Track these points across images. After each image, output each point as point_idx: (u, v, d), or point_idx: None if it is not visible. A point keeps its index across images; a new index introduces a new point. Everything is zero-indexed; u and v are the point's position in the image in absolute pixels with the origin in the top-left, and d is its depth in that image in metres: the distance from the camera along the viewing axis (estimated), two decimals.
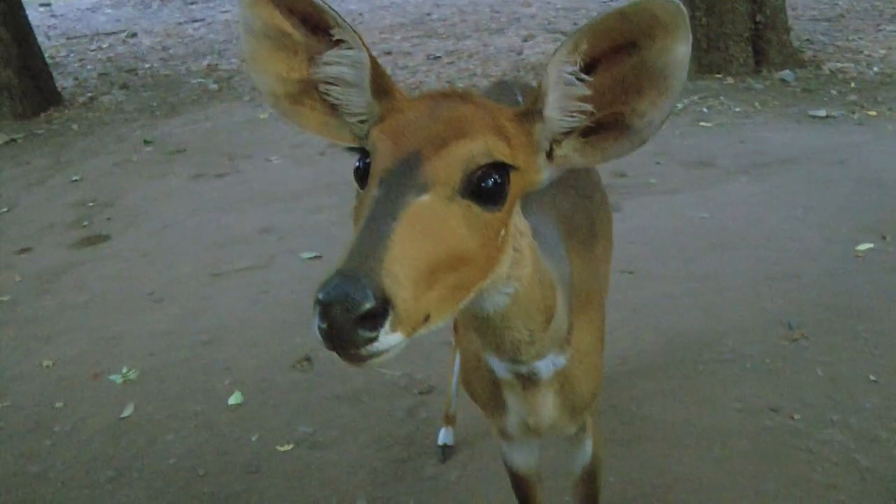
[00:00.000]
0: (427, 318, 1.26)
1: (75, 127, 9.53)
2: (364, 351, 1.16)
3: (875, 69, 9.33)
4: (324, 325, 1.13)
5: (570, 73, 1.42)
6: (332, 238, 5.87)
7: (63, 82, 11.26)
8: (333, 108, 1.60)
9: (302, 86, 1.59)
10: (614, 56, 1.40)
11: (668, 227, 5.66)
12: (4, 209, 7.32)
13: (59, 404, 4.24)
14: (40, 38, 10.94)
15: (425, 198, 1.28)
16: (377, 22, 14.05)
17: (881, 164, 6.60)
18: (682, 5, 1.30)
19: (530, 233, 1.62)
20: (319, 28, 1.54)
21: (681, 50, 1.33)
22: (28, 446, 3.94)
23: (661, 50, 1.34)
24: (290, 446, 3.74)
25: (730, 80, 9.15)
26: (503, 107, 1.50)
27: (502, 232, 1.43)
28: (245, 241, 6.06)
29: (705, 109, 8.31)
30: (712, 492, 3.31)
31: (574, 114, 1.46)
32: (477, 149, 1.35)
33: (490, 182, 1.36)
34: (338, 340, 1.14)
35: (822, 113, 7.96)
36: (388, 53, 11.48)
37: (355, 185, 1.45)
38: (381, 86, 1.52)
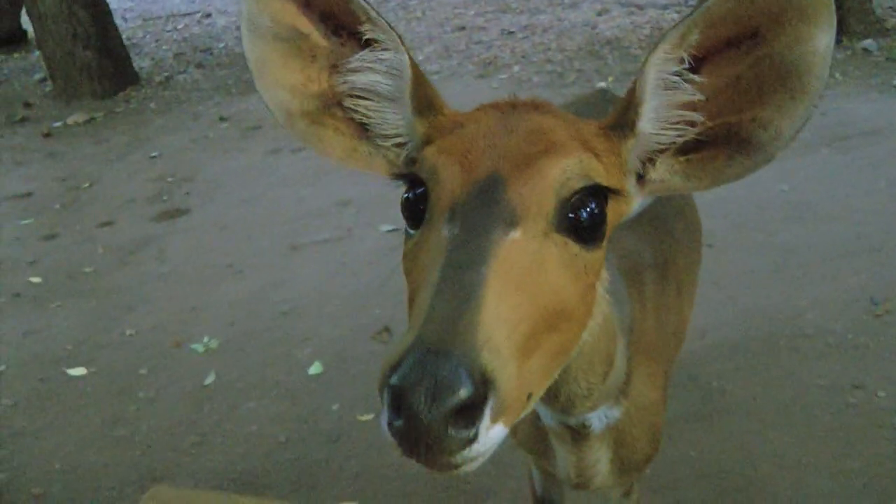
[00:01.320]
0: (529, 398, 0.98)
1: (152, 105, 9.71)
2: (458, 458, 0.86)
3: None
4: (399, 423, 0.84)
5: (675, 74, 1.13)
6: None
7: (140, 62, 11.47)
8: (363, 129, 1.30)
9: (322, 101, 1.28)
10: (728, 51, 1.11)
11: (747, 200, 5.54)
12: (86, 185, 7.51)
13: (142, 371, 4.37)
14: (117, 21, 11.15)
15: (516, 235, 0.99)
16: None
17: None
18: None
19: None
20: (344, 27, 1.24)
21: (822, 39, 1.03)
22: (114, 411, 4.07)
23: (795, 40, 1.04)
24: (371, 416, 3.78)
25: None
26: (584, 119, 1.21)
27: (599, 275, 1.16)
28: (323, 214, 6.12)
29: None
30: (794, 469, 3.26)
31: (676, 125, 1.16)
32: (572, 167, 1.06)
33: (587, 211, 1.07)
34: (423, 444, 0.84)
35: None
36: (462, 29, 11.41)
37: (405, 225, 1.15)
38: (425, 99, 1.23)
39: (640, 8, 11.63)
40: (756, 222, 5.23)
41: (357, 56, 1.24)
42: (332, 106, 1.28)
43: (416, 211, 1.12)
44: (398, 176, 1.22)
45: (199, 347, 4.52)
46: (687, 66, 1.12)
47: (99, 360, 4.57)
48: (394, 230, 5.61)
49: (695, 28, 1.08)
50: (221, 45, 12.30)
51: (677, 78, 1.13)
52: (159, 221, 6.46)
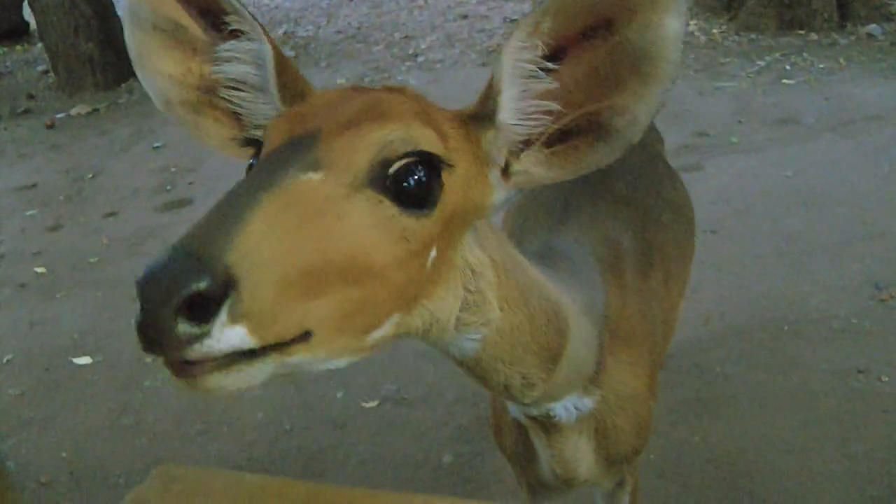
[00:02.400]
0: (307, 336, 0.94)
1: None
2: (191, 352, 0.82)
3: None
4: (138, 316, 0.81)
5: (531, 63, 1.13)
6: None
7: None
8: (240, 119, 1.30)
9: (201, 92, 1.28)
10: (585, 41, 1.11)
11: (751, 186, 5.54)
12: (90, 175, 7.52)
13: (148, 360, 4.37)
14: (120, 13, 11.14)
15: (314, 175, 0.98)
16: None
17: None
18: None
19: (496, 273, 1.27)
20: (220, 20, 1.25)
21: (670, 24, 1.04)
22: (121, 400, 4.09)
23: (645, 26, 1.05)
24: (376, 403, 3.80)
25: (813, 35, 8.86)
26: (444, 109, 1.19)
27: (432, 253, 1.11)
28: None
29: (788, 67, 8.07)
30: (798, 453, 3.27)
31: (536, 116, 1.15)
32: (396, 133, 1.05)
33: (412, 178, 1.05)
34: (153, 335, 0.81)
35: None
36: (465, 17, 11.39)
37: None
38: (292, 87, 1.24)
39: None
40: (760, 208, 5.23)
41: (225, 45, 1.25)
42: (212, 96, 1.29)
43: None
44: (246, 142, 1.23)
45: None
46: (542, 54, 1.12)
47: (105, 349, 4.58)
48: None
49: (546, 16, 1.09)
50: None
51: (534, 67, 1.13)
52: (163, 212, 6.47)
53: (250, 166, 1.14)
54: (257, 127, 1.28)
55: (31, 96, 10.28)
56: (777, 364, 3.77)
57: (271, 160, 1.01)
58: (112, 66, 10.12)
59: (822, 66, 7.98)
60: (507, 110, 1.15)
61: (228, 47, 1.24)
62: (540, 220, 2.02)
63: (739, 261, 4.63)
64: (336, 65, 9.94)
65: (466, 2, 12.50)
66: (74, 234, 6.24)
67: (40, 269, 5.65)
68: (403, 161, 1.05)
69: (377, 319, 1.06)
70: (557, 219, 1.92)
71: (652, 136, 2.93)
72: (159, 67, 1.26)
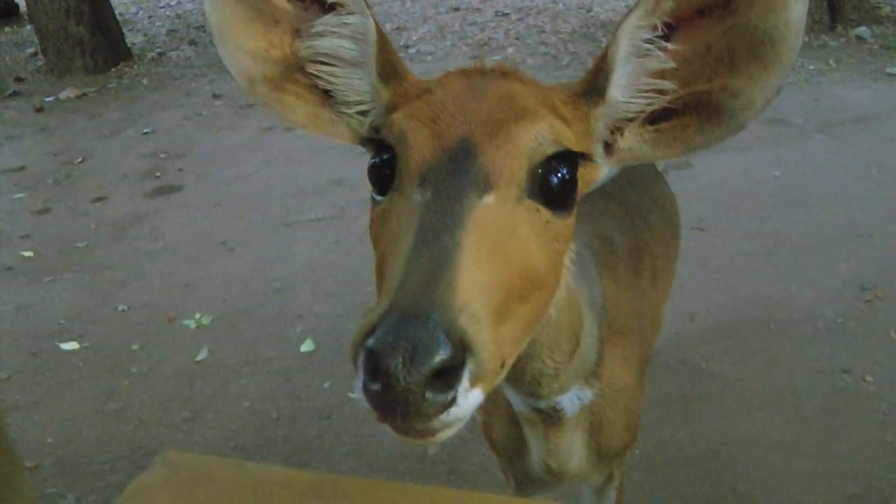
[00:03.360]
0: (502, 365, 0.94)
1: (145, 81, 9.66)
2: (437, 423, 0.83)
3: None
4: (376, 387, 0.81)
5: (647, 41, 1.11)
6: None
7: (133, 38, 11.40)
8: (326, 96, 1.26)
9: (285, 66, 1.24)
10: (700, 19, 1.09)
11: (739, 184, 5.57)
12: (79, 160, 7.48)
13: (135, 346, 4.38)
14: None
15: (490, 200, 0.96)
16: None
17: None
18: None
19: None
20: None
21: (796, 8, 1.01)
22: (107, 386, 4.09)
23: (769, 9, 1.02)
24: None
25: (804, 37, 8.90)
26: (552, 85, 1.19)
27: (569, 249, 1.14)
28: (316, 192, 6.11)
29: None
30: (781, 451, 3.30)
31: (646, 93, 1.14)
32: (543, 133, 1.04)
33: (558, 177, 1.05)
34: (401, 408, 0.81)
35: None
36: (457, 10, 11.39)
37: (371, 191, 1.13)
38: (389, 65, 1.20)
39: None
40: (748, 207, 5.26)
41: (321, 20, 1.20)
42: (295, 71, 1.25)
43: (383, 177, 1.09)
44: (365, 141, 1.20)
45: (192, 323, 4.53)
46: (659, 33, 1.10)
47: (92, 334, 4.57)
48: None
49: None
50: None
51: (649, 45, 1.11)
52: (153, 197, 6.44)
53: (373, 165, 1.11)
54: (346, 104, 1.25)
55: (19, 79, 10.23)
56: (762, 362, 3.80)
57: (440, 185, 0.97)
58: (102, 49, 10.07)
59: (811, 67, 8.02)
60: (618, 87, 1.13)
61: (325, 21, 1.20)
62: None
63: (727, 258, 4.66)
64: None
65: None
66: (62, 218, 6.22)
67: (27, 253, 5.62)
68: (548, 163, 1.04)
69: (537, 324, 1.08)
70: None
71: None
72: (242, 43, 1.22)
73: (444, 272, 0.86)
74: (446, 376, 0.81)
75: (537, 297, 1.03)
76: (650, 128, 1.16)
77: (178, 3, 13.70)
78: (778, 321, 4.06)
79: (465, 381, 0.83)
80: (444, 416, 0.83)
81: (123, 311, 4.78)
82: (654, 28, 1.09)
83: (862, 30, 8.83)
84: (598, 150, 1.18)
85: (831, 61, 8.14)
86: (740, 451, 3.31)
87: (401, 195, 1.03)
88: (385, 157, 1.08)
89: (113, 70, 10.10)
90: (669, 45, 1.10)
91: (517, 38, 9.79)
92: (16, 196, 6.74)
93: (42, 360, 4.36)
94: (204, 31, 11.69)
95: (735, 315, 4.15)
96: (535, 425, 1.71)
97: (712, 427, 3.45)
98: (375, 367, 0.80)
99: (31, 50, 11.25)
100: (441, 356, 0.79)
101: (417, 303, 0.82)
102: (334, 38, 1.20)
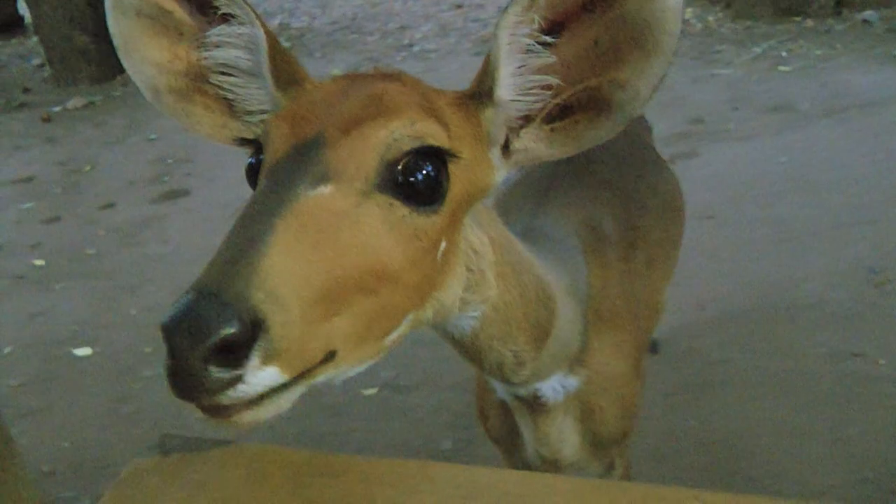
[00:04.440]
0: (332, 356, 0.96)
1: None
2: (224, 398, 0.83)
3: None
4: (167, 363, 0.81)
5: (528, 37, 1.10)
6: None
7: None
8: (231, 106, 1.27)
9: (190, 78, 1.25)
10: (583, 14, 1.08)
11: (746, 172, 5.56)
12: (86, 168, 7.53)
13: (147, 350, 4.40)
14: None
15: (324, 189, 0.95)
16: None
17: None
18: None
19: (492, 251, 1.29)
20: (207, 4, 1.21)
21: None
22: (120, 389, 4.11)
23: None
24: (374, 390, 3.82)
25: (809, 22, 8.87)
26: (442, 90, 1.17)
27: (442, 245, 1.10)
28: None
29: (784, 53, 8.08)
30: (793, 436, 3.29)
31: (535, 92, 1.14)
32: (400, 129, 1.03)
33: (420, 174, 1.03)
34: (187, 383, 0.81)
35: None
36: (460, 7, 11.40)
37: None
38: (286, 72, 1.20)
39: None
40: (755, 194, 5.24)
41: (215, 30, 1.20)
42: (201, 83, 1.25)
43: (252, 173, 1.09)
44: (242, 142, 1.17)
45: None
46: (540, 28, 1.09)
47: (103, 339, 4.60)
48: None
49: None
50: None
51: (532, 42, 1.10)
52: (160, 203, 6.47)
53: (250, 165, 1.10)
54: (250, 113, 1.26)
55: (26, 90, 10.29)
56: (772, 348, 3.78)
57: (278, 176, 0.98)
58: (107, 58, 10.12)
59: (817, 52, 7.99)
60: (506, 86, 1.13)
61: (218, 32, 1.20)
62: (522, 202, 2.01)
63: (734, 246, 4.65)
64: (330, 55, 9.95)
65: None
66: (71, 226, 6.26)
67: (38, 262, 5.66)
68: (410, 159, 1.03)
69: (395, 322, 1.06)
70: (539, 201, 1.92)
71: (639, 123, 2.95)
72: (145, 55, 1.23)
73: (248, 254, 0.85)
74: (234, 353, 0.80)
75: (389, 291, 1.01)
76: (546, 127, 1.16)
77: None
78: (787, 307, 4.05)
79: (254, 358, 0.81)
80: (231, 393, 0.82)
81: (134, 315, 4.81)
82: (534, 23, 1.09)
83: (868, 13, 8.79)
84: (494, 153, 1.17)
85: (837, 46, 8.10)
86: (752, 437, 3.30)
87: (256, 187, 1.03)
88: (260, 157, 1.08)
89: (118, 78, 10.15)
90: (550, 39, 1.10)
91: None
92: (25, 206, 6.78)
93: (55, 367, 4.39)
94: None
95: (744, 302, 4.14)
96: (523, 413, 1.73)
97: (723, 415, 3.44)
98: (167, 337, 0.80)
99: (37, 61, 11.32)
100: (224, 331, 0.78)
101: (215, 281, 0.82)
102: (230, 48, 1.21)
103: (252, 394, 0.84)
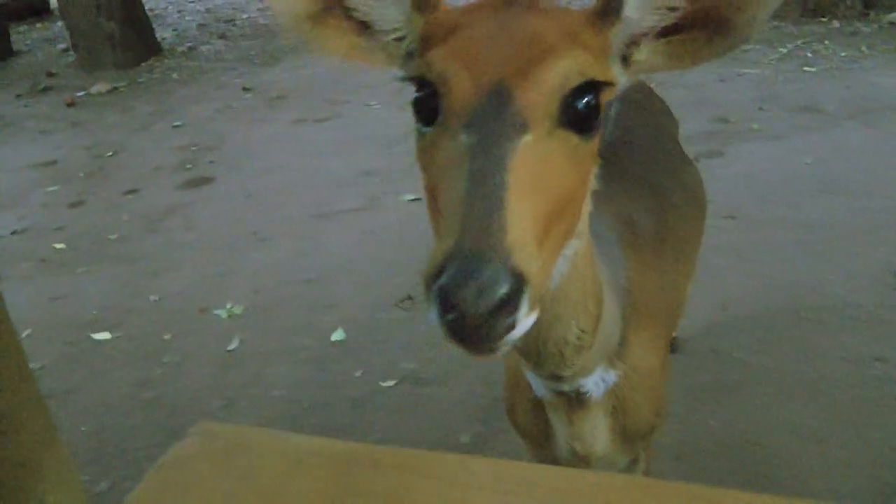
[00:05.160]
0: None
1: (175, 76, 9.75)
2: (502, 342, 0.96)
3: None
4: (451, 317, 0.92)
5: None
6: None
7: (163, 33, 11.50)
8: (363, 27, 1.36)
9: (325, 3, 1.33)
10: None
11: (772, 172, 5.53)
12: (110, 153, 7.56)
13: (167, 336, 4.42)
14: None
15: (528, 138, 1.06)
16: None
17: None
18: None
19: None
20: None
21: None
22: (140, 375, 4.13)
23: None
24: (394, 382, 3.82)
25: (836, 23, 8.81)
26: (572, 10, 1.26)
27: (595, 159, 1.25)
28: (348, 184, 6.14)
29: (810, 54, 8.03)
30: (816, 439, 3.27)
31: (658, 10, 1.24)
32: (568, 68, 1.12)
33: (584, 104, 1.14)
34: (474, 335, 0.94)
35: None
36: None
37: (415, 121, 1.22)
38: None
39: None
40: (781, 195, 5.21)
41: None
42: (334, 7, 1.34)
43: (427, 109, 1.17)
44: (408, 78, 1.24)
45: (223, 313, 4.56)
46: None
47: (124, 324, 4.63)
48: (417, 199, 5.63)
49: None
50: (245, 15, 12.31)
51: None
52: (184, 190, 6.50)
53: (417, 100, 1.19)
54: (383, 32, 1.35)
55: (51, 74, 10.35)
56: (795, 351, 3.76)
57: (483, 130, 1.06)
58: (133, 44, 10.18)
59: (843, 54, 7.94)
60: (633, 7, 1.23)
61: None
62: None
63: (759, 247, 4.62)
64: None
65: None
66: (95, 211, 6.30)
67: (60, 245, 5.69)
68: (575, 92, 1.13)
69: (570, 237, 1.23)
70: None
71: (666, 118, 2.96)
72: None
73: (497, 214, 0.96)
74: (508, 305, 0.92)
75: (571, 209, 1.17)
76: (663, 40, 1.26)
77: None
78: (810, 310, 4.03)
79: (523, 308, 0.94)
80: (507, 338, 0.95)
81: (155, 301, 4.83)
82: None
83: (895, 16, 8.71)
84: (616, 64, 1.27)
85: (863, 48, 8.05)
86: (774, 439, 3.29)
87: (446, 131, 1.12)
88: (428, 91, 1.17)
89: (143, 64, 10.20)
90: None
91: None
92: (49, 189, 6.83)
93: (76, 350, 4.41)
94: (234, 25, 11.76)
95: (767, 304, 4.12)
96: (559, 409, 1.76)
97: (745, 416, 3.42)
98: (449, 302, 0.91)
99: (62, 45, 11.38)
100: (504, 290, 0.91)
101: (477, 244, 0.93)
102: None
103: (520, 335, 0.97)
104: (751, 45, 8.41)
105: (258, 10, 12.50)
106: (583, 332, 1.46)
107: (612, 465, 2.02)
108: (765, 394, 3.54)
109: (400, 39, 1.34)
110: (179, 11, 12.99)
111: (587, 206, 1.33)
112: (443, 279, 0.92)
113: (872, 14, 8.95)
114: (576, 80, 1.13)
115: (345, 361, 4.02)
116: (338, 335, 4.22)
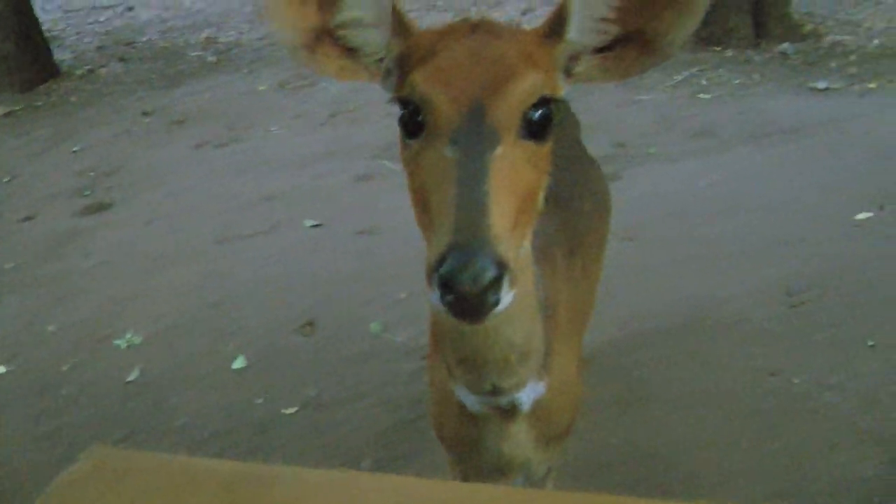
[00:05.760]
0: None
1: (74, 99, 9.50)
2: (491, 314, 1.22)
3: (875, 42, 9.30)
4: (451, 298, 1.19)
5: None
6: (334, 205, 5.90)
7: (61, 55, 11.20)
8: (349, 51, 1.58)
9: (316, 33, 1.56)
10: None
11: (669, 194, 5.69)
12: (6, 179, 7.33)
13: (65, 367, 4.29)
14: (37, 12, 10.85)
15: (500, 150, 1.30)
16: None
17: (881, 135, 6.60)
18: None
19: None
20: None
21: None
22: (37, 408, 4.00)
23: None
24: (296, 408, 3.79)
25: (729, 52, 9.13)
26: (525, 31, 1.51)
27: (549, 160, 1.48)
28: (249, 209, 6.07)
29: (704, 81, 8.30)
30: (714, 453, 3.36)
31: (595, 32, 1.47)
32: (528, 87, 1.36)
33: (539, 116, 1.38)
34: (469, 310, 1.20)
35: (823, 85, 7.95)
36: None
37: (400, 132, 1.46)
38: (399, 23, 1.53)
39: None
40: (679, 216, 5.36)
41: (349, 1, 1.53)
42: (324, 37, 1.55)
43: (412, 124, 1.41)
44: (394, 100, 1.49)
45: (123, 343, 4.45)
46: None
47: (20, 357, 4.47)
48: (317, 225, 5.63)
49: None
50: (144, 38, 12.09)
51: None
52: (83, 216, 6.33)
53: (403, 116, 1.42)
54: (367, 55, 1.57)
55: None
56: (694, 366, 3.87)
57: (465, 144, 1.30)
58: (29, 67, 9.88)
59: (737, 81, 8.23)
60: (575, 29, 1.47)
61: (351, 1, 1.52)
62: None
63: (658, 267, 4.74)
64: (258, 71, 9.86)
65: None
66: None
67: None
68: (533, 106, 1.38)
69: (529, 231, 1.45)
70: None
71: (570, 122, 3.07)
72: (285, 20, 1.52)
73: (482, 215, 1.21)
74: (494, 286, 1.17)
75: (533, 205, 1.41)
76: (599, 56, 1.50)
77: (107, 19, 13.51)
78: (709, 326, 4.14)
79: (505, 286, 1.19)
80: (496, 310, 1.20)
81: (53, 332, 4.68)
82: None
83: (785, 45, 9.08)
84: (560, 76, 1.50)
85: (756, 76, 8.35)
86: (675, 452, 3.36)
87: (431, 144, 1.36)
88: (412, 109, 1.40)
89: (41, 87, 9.91)
90: None
91: None
92: None
93: None
94: (134, 48, 11.54)
95: (667, 321, 4.23)
96: (491, 421, 1.86)
97: (647, 431, 3.49)
98: (449, 287, 1.16)
99: None
100: (491, 275, 1.16)
101: (469, 240, 1.18)
102: (356, 9, 1.53)
103: (504, 307, 1.22)
104: (646, 72, 8.67)
105: (158, 32, 12.31)
106: (527, 335, 1.67)
107: (533, 474, 2.15)
108: (666, 408, 3.62)
109: (380, 60, 1.57)
110: (78, 33, 12.68)
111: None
112: (443, 269, 1.17)
113: (764, 43, 9.31)
114: (534, 97, 1.37)
115: (246, 388, 3.96)
116: (239, 362, 4.16)
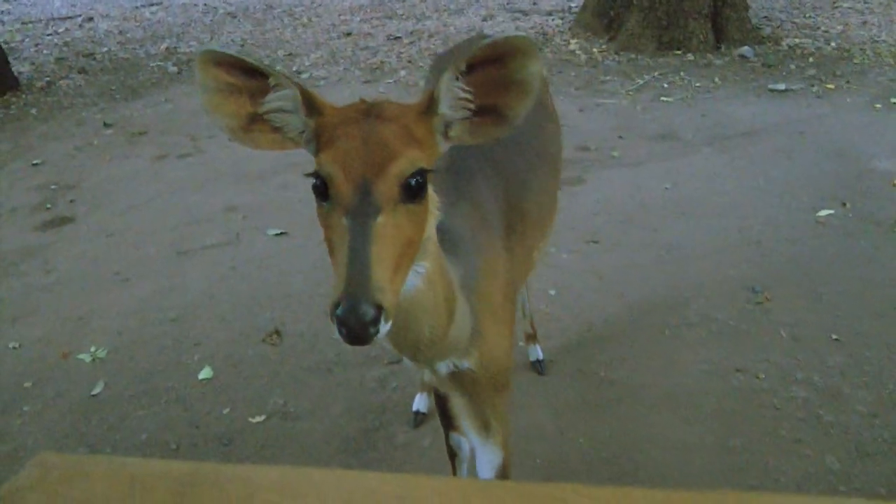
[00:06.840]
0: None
1: (34, 111, 9.38)
2: (372, 341, 1.51)
3: (833, 44, 9.47)
4: (343, 330, 1.48)
5: (456, 83, 1.75)
6: (296, 215, 5.85)
7: (19, 67, 11.06)
8: (277, 129, 1.89)
9: (250, 118, 1.87)
10: (489, 65, 1.72)
11: (632, 197, 5.73)
12: None
13: (27, 384, 4.21)
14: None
15: (381, 218, 1.60)
16: (337, 4, 13.97)
17: (840, 135, 6.72)
18: (531, 39, 1.68)
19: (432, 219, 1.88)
20: (256, 73, 1.84)
21: (533, 66, 1.68)
22: None
23: (519, 66, 1.68)
24: (263, 418, 3.76)
25: (690, 56, 9.24)
26: (409, 108, 1.80)
27: (427, 212, 1.78)
28: (211, 220, 6.02)
29: (666, 85, 8.39)
30: (681, 450, 3.39)
31: (461, 107, 1.78)
32: (405, 165, 1.65)
33: (414, 183, 1.66)
34: (355, 339, 1.49)
35: (782, 87, 8.07)
36: (349, 35, 11.44)
37: (315, 197, 1.74)
38: (311, 106, 1.82)
39: (525, 14, 11.88)
40: (641, 219, 5.41)
41: (269, 96, 1.84)
42: (257, 119, 1.86)
43: (322, 191, 1.68)
44: (309, 174, 1.75)
45: (87, 357, 4.39)
46: (463, 75, 1.73)
47: None
48: (281, 234, 5.61)
49: (464, 62, 1.71)
50: (104, 49, 11.98)
51: (458, 84, 1.75)
52: (44, 230, 6.24)
53: (315, 185, 1.70)
54: (291, 131, 1.86)
55: None
56: (659, 366, 3.90)
57: (356, 215, 1.60)
58: None
59: (698, 84, 8.32)
60: (444, 106, 1.77)
61: (272, 97, 1.84)
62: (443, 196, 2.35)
63: (621, 269, 4.78)
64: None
65: (350, 20, 12.58)
66: None
67: None
68: (410, 177, 1.66)
69: (412, 266, 1.75)
70: (450, 202, 2.32)
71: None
72: (223, 111, 1.84)
73: (365, 272, 1.52)
74: (375, 322, 1.47)
75: (413, 249, 1.69)
76: (466, 122, 1.80)
77: (66, 30, 13.38)
78: (673, 327, 4.18)
79: (383, 321, 1.49)
80: (376, 336, 1.49)
81: (14, 348, 4.60)
82: (459, 73, 1.73)
83: (745, 49, 9.21)
84: (439, 139, 1.81)
85: (716, 79, 8.46)
86: (640, 453, 3.38)
87: (334, 210, 1.65)
88: (321, 181, 1.69)
89: None
90: (465, 86, 1.75)
91: (409, 62, 9.91)
92: None
93: None
94: (94, 60, 11.43)
95: (631, 323, 4.26)
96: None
97: (612, 433, 3.51)
98: (343, 324, 1.46)
99: None
100: (370, 315, 1.46)
101: (355, 292, 1.48)
102: (278, 102, 1.84)
103: (383, 335, 1.51)
104: (608, 76, 8.75)
105: (118, 43, 12.21)
106: (433, 330, 1.98)
107: (467, 437, 2.61)
108: (631, 409, 3.65)
109: (302, 132, 1.86)
110: (37, 45, 12.54)
111: (431, 240, 1.86)
112: (338, 312, 1.47)
113: (724, 47, 9.43)
114: (410, 171, 1.66)
115: (212, 399, 3.92)
116: (205, 373, 4.11)
